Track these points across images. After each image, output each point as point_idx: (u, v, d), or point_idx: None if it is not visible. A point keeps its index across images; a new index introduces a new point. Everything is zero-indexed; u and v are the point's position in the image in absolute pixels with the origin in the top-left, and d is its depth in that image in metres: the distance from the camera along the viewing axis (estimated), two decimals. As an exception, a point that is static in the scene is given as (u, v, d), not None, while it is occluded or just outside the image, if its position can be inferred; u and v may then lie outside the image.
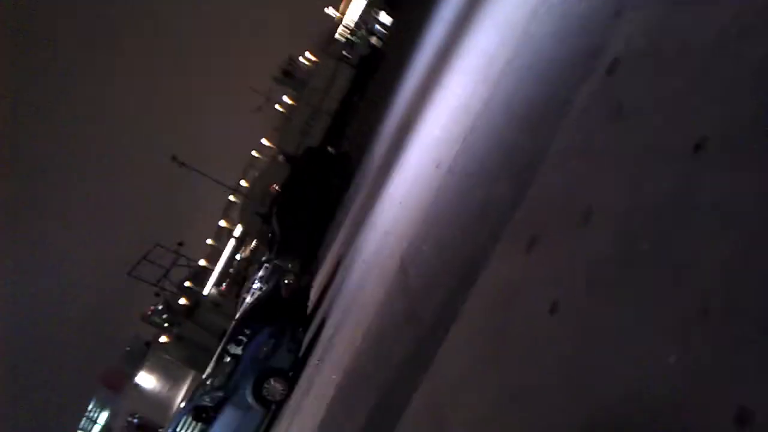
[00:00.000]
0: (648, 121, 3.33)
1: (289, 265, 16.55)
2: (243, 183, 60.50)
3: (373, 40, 52.81)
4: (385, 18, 55.85)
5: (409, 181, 9.68)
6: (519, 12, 7.35)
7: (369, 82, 42.26)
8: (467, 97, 8.01)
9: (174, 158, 50.23)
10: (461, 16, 13.93)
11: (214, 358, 13.51)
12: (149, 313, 43.89)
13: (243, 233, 58.80)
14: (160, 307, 43.49)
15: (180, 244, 48.44)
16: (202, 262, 59.55)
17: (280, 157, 45.05)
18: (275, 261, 18.19)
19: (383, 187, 13.00)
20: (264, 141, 61.39)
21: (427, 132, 10.50)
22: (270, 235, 26.16)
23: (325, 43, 55.22)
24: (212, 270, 59.60)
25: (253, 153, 66.50)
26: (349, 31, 55.79)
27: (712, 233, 2.39)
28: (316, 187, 24.35)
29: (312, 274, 18.52)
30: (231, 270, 60.35)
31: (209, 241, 71.02)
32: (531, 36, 6.34)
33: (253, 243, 52.96)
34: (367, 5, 58.33)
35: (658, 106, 3.28)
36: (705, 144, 2.77)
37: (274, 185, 38.89)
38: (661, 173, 2.93)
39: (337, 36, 55.23)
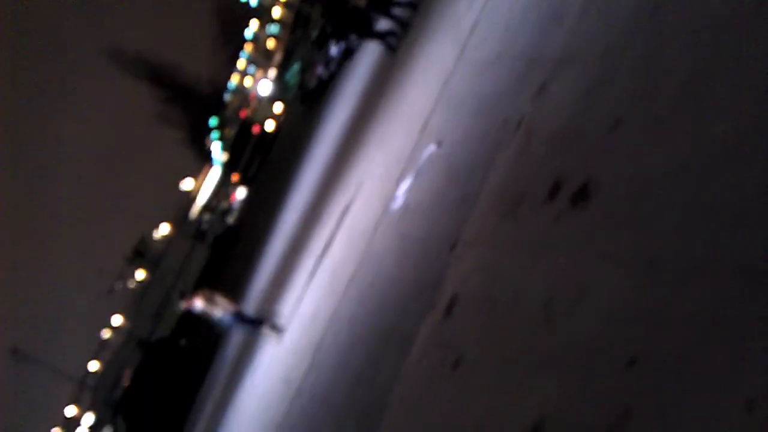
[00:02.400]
0: (486, 376, 3.24)
1: None
2: (93, 366, 57.35)
3: (229, 218, 52.71)
4: (241, 193, 55.82)
5: (259, 396, 9.30)
6: (363, 224, 7.42)
7: (224, 263, 41.73)
8: (315, 307, 7.89)
9: (14, 351, 47.22)
10: (311, 209, 14.08)
11: None
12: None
13: (96, 422, 55.18)
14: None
15: None
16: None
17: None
18: None
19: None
20: (115, 321, 58.94)
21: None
22: None
23: (180, 221, 54.93)
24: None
25: (104, 334, 63.65)
26: (203, 210, 55.71)
27: None
28: (165, 386, 23.30)
29: None
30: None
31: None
32: (373, 254, 6.35)
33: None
34: (222, 182, 58.68)
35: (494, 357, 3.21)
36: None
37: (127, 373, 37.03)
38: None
39: (191, 215, 55.02)
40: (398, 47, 12.18)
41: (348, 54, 22.24)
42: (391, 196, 6.67)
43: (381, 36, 12.70)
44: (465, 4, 8.16)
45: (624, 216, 2.73)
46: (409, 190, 6.21)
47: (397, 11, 12.48)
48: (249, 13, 71.84)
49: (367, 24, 12.46)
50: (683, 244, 2.29)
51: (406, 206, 6.09)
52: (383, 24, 12.80)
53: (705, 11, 2.90)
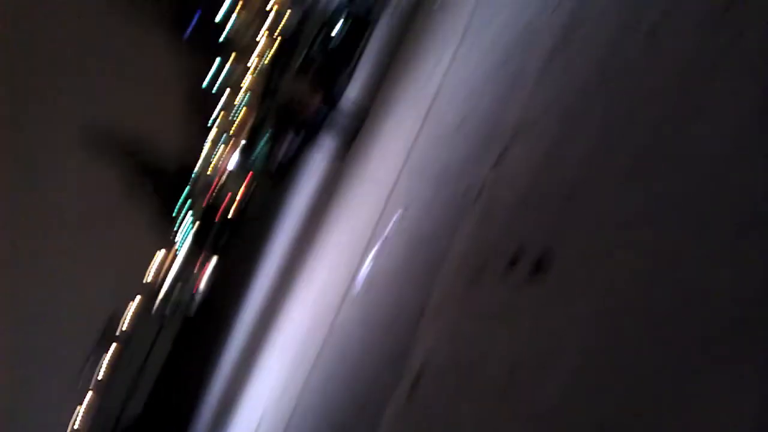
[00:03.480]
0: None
1: None
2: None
3: (195, 298, 50.97)
4: (207, 275, 53.40)
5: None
6: (329, 296, 7.33)
7: (191, 350, 40.59)
8: (281, 387, 7.75)
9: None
10: (278, 288, 13.96)
11: None
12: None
13: None
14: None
15: None
16: None
17: None
18: None
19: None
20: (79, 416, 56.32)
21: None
22: None
23: (148, 299, 54.01)
24: None
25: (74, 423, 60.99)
26: (169, 288, 54.81)
27: None
28: None
29: None
30: None
31: None
32: (340, 326, 6.26)
33: None
34: (189, 259, 57.79)
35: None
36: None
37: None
38: None
39: (158, 294, 54.16)
40: (344, 155, 11.73)
41: (317, 129, 22.37)
42: (357, 266, 6.63)
43: (329, 141, 12.29)
44: (428, 69, 8.28)
45: (583, 282, 2.72)
46: (376, 259, 6.18)
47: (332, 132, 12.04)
48: (220, 87, 72.24)
49: (313, 130, 12.13)
50: (643, 305, 2.26)
51: (373, 275, 6.04)
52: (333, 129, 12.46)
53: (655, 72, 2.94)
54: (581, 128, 3.44)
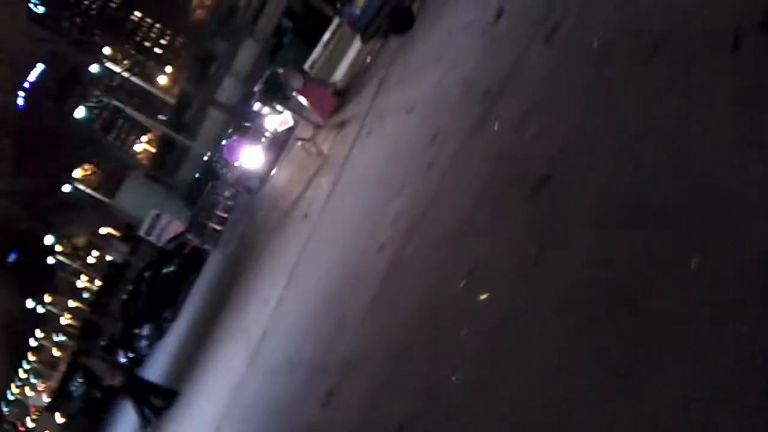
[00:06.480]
0: None
1: None
2: None
3: None
4: None
5: None
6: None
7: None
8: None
9: None
10: None
11: None
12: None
13: None
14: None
15: None
16: None
17: None
18: None
19: None
20: None
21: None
22: None
23: None
24: None
25: None
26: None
27: None
28: None
29: None
30: None
31: None
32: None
33: None
34: None
35: None
36: None
37: None
38: None
39: None
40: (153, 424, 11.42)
41: (138, 361, 21.35)
42: None
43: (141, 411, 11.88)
44: (254, 309, 8.28)
45: None
46: None
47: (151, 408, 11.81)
48: (34, 321, 68.50)
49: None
50: None
51: None
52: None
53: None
54: (407, 364, 3.51)
